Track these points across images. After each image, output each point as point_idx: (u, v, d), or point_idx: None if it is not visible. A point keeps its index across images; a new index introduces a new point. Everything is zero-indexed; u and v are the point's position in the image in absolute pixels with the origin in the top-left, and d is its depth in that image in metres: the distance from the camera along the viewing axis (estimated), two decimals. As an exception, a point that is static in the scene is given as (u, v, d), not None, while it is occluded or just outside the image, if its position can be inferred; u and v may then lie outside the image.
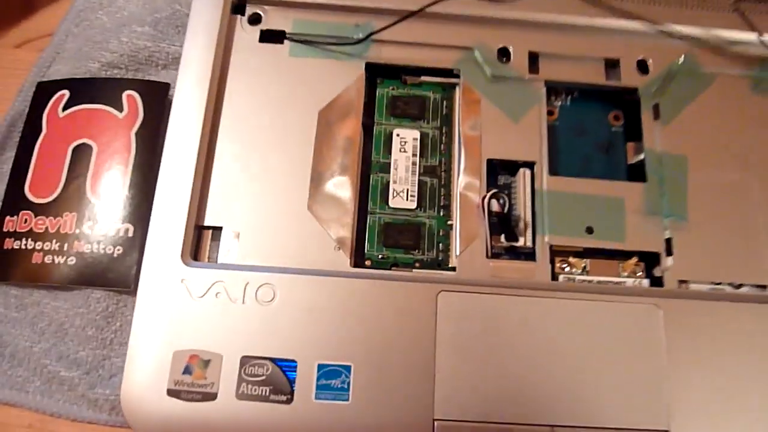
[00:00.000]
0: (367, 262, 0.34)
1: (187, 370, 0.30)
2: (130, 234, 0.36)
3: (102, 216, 0.36)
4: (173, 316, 0.31)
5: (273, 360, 0.30)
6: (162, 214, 0.33)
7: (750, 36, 0.38)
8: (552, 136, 0.37)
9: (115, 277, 0.35)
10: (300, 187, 0.34)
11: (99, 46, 0.41)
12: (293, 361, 0.30)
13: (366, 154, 0.36)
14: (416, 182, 0.35)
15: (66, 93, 0.39)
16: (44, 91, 0.39)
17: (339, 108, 0.36)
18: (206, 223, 0.33)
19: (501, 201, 0.33)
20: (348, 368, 0.30)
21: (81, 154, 0.37)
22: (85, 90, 0.39)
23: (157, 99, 0.38)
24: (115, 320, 0.35)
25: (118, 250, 0.35)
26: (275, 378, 0.30)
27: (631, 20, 0.37)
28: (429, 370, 0.30)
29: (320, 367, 0.30)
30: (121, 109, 0.38)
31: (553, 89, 0.38)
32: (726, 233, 0.34)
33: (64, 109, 0.39)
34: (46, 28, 0.44)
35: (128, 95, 0.38)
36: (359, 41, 0.36)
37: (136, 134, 0.38)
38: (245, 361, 0.30)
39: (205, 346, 0.31)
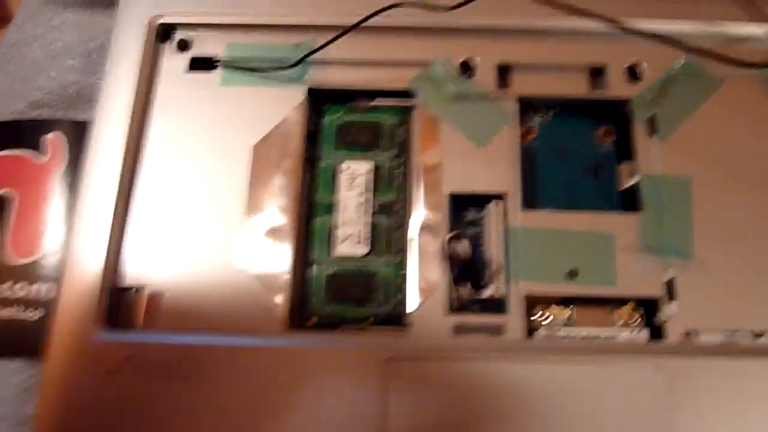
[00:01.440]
0: (312, 320, 0.29)
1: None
2: (53, 294, 0.32)
3: (22, 276, 0.32)
4: (83, 396, 0.27)
5: (194, 448, 0.26)
6: (74, 274, 0.29)
7: (764, 29, 0.32)
8: (531, 161, 0.31)
9: (32, 345, 0.31)
10: (231, 235, 0.29)
11: (27, 84, 0.37)
12: (217, 448, 0.26)
13: (310, 192, 0.31)
14: (369, 223, 0.30)
15: (-10, 138, 0.35)
16: (-31, 137, 0.36)
17: (277, 140, 0.31)
18: (125, 284, 0.29)
19: (465, 244, 0.28)
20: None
21: (1, 205, 0.34)
22: (8, 133, 0.35)
23: (84, 140, 0.34)
24: (34, 395, 0.31)
25: (40, 312, 0.31)
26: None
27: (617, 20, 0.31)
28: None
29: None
30: (45, 153, 0.34)
31: (529, 105, 0.32)
32: (741, 270, 0.28)
33: (-12, 155, 0.35)
34: (-18, 65, 0.40)
35: (52, 137, 0.35)
36: (296, 63, 0.31)
37: (60, 180, 0.34)
38: (163, 449, 0.26)
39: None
